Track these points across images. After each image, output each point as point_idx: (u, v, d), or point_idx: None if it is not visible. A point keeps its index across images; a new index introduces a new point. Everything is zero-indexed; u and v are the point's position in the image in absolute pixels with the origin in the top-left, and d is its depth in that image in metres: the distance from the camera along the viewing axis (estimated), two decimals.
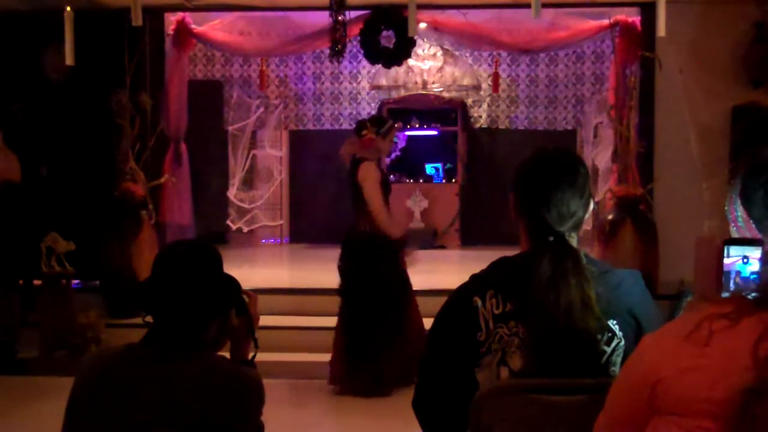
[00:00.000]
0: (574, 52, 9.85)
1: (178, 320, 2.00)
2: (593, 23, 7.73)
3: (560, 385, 1.76)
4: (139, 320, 2.20)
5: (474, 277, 1.93)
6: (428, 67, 10.24)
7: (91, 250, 6.70)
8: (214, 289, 2.05)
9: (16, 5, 7.29)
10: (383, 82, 10.32)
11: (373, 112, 10.22)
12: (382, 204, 5.39)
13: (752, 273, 1.40)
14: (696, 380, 1.25)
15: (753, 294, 1.31)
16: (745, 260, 1.40)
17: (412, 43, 7.71)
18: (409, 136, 10.68)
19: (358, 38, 7.74)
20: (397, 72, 9.98)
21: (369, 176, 5.37)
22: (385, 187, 5.49)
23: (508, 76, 10.26)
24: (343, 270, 5.52)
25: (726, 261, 1.41)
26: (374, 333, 5.35)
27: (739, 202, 1.50)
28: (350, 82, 10.46)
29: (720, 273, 1.41)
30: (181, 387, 1.92)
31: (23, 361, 6.23)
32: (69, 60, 6.18)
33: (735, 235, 1.51)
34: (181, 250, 2.11)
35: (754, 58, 7.00)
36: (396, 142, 10.25)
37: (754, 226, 1.47)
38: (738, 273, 1.40)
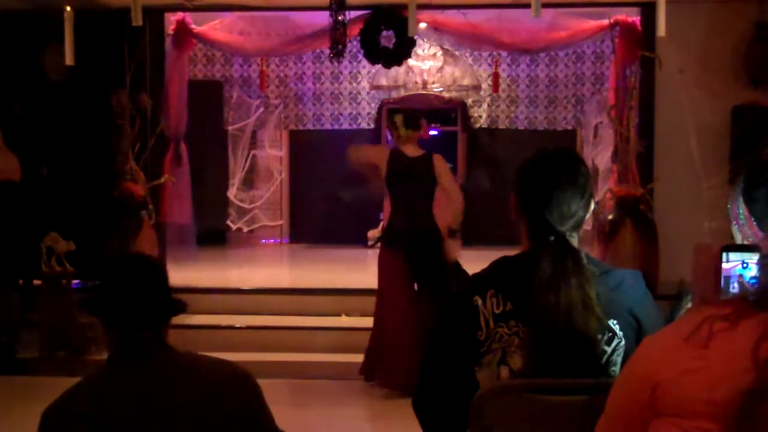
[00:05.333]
0: (574, 52, 9.84)
1: (137, 320, 1.98)
2: (593, 23, 7.72)
3: (560, 385, 1.76)
4: None
5: (474, 277, 1.94)
6: (428, 67, 10.23)
7: (91, 250, 6.69)
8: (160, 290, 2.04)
9: (16, 5, 7.29)
10: (383, 82, 10.30)
11: (373, 113, 10.22)
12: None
13: (752, 278, 1.40)
14: (696, 382, 1.24)
15: (752, 296, 1.31)
16: (745, 265, 1.40)
17: (412, 43, 7.70)
18: None
19: (358, 38, 7.73)
20: (397, 72, 9.97)
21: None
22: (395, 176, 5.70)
23: (508, 76, 10.25)
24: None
25: (725, 266, 1.41)
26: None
27: (741, 200, 1.50)
28: (350, 82, 10.44)
29: (719, 279, 1.41)
30: (174, 396, 1.91)
31: (23, 361, 6.23)
32: (69, 60, 6.18)
33: (736, 233, 1.51)
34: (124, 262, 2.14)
35: (754, 58, 6.99)
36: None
37: (755, 224, 1.47)
38: (740, 276, 1.40)
